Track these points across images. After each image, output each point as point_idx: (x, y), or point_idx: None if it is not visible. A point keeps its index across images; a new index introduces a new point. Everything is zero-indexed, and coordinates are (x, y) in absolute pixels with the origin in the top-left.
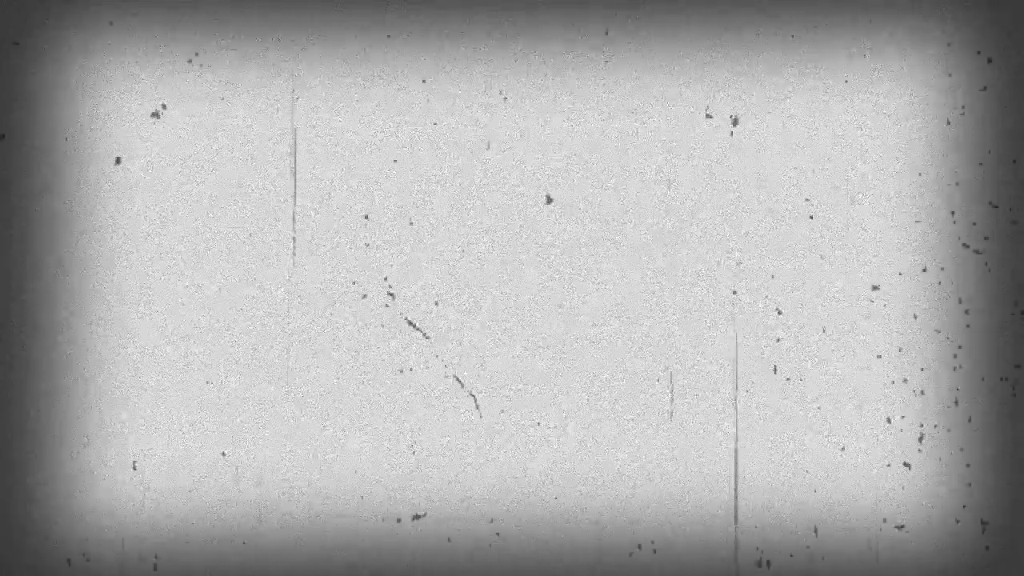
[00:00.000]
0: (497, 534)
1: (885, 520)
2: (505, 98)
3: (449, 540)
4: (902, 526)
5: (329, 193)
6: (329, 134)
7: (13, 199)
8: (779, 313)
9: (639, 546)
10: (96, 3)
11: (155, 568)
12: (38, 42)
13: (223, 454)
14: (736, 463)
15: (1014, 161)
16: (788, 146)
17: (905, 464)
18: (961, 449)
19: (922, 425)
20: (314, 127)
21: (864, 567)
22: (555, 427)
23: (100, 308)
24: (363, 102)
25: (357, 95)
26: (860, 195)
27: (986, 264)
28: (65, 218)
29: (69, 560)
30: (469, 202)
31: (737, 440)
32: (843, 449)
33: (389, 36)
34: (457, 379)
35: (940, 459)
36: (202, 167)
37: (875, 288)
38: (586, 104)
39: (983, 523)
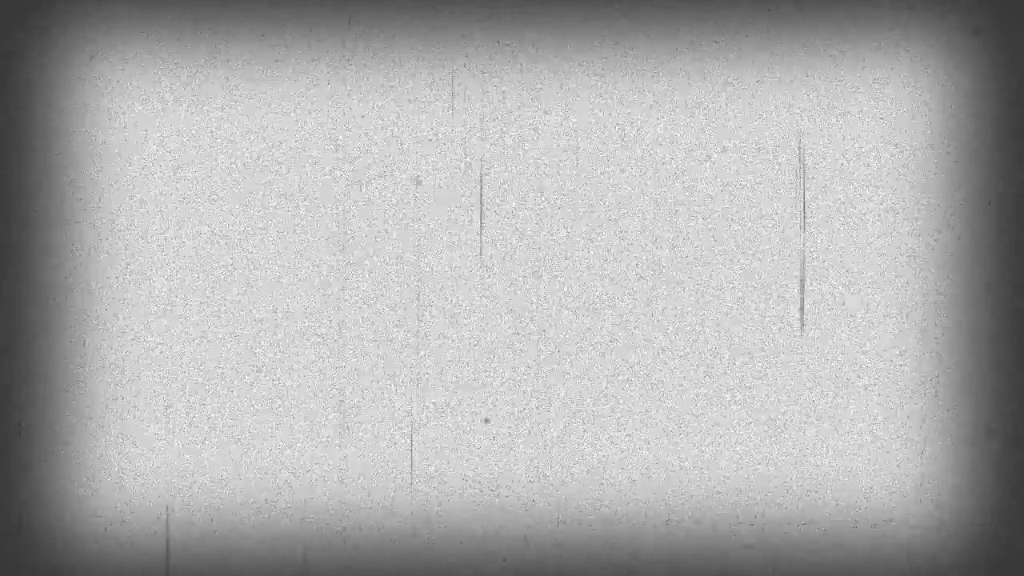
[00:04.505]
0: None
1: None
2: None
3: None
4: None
5: (343, 192)
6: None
7: (13, 200)
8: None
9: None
10: (98, 2)
11: (165, 571)
12: (39, 42)
13: (230, 457)
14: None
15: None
16: (779, 147)
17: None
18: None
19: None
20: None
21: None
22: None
23: (102, 309)
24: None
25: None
26: (857, 193)
27: (985, 262)
28: (67, 220)
29: (71, 561)
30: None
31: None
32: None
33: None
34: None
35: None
36: (207, 167)
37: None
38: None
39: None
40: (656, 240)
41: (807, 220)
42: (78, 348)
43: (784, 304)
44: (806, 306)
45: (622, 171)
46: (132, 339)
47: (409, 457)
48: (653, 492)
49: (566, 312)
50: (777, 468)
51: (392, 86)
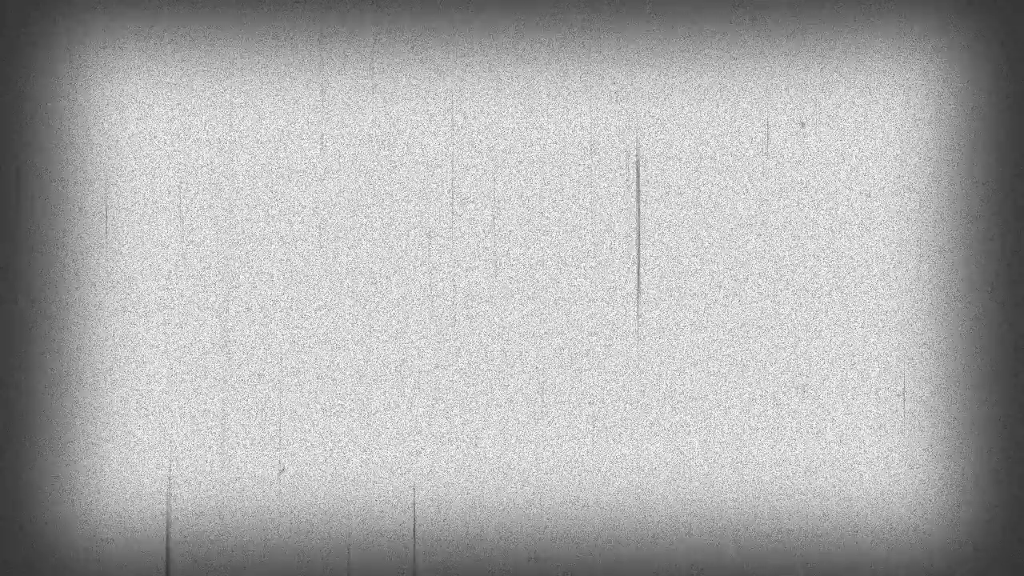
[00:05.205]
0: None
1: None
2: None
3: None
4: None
5: (342, 193)
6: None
7: (12, 201)
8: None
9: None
10: (99, 6)
11: (165, 571)
12: (39, 45)
13: (230, 459)
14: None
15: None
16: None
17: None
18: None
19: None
20: (341, 130)
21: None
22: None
23: (103, 310)
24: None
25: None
26: (868, 194)
27: (993, 268)
28: (66, 220)
29: (71, 564)
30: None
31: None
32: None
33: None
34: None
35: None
36: (206, 168)
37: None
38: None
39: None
40: (658, 237)
41: (807, 219)
42: (77, 347)
43: (785, 306)
44: (808, 310)
45: (624, 169)
46: (132, 338)
47: (408, 456)
48: (653, 494)
49: (566, 312)
50: (777, 470)
51: (392, 90)
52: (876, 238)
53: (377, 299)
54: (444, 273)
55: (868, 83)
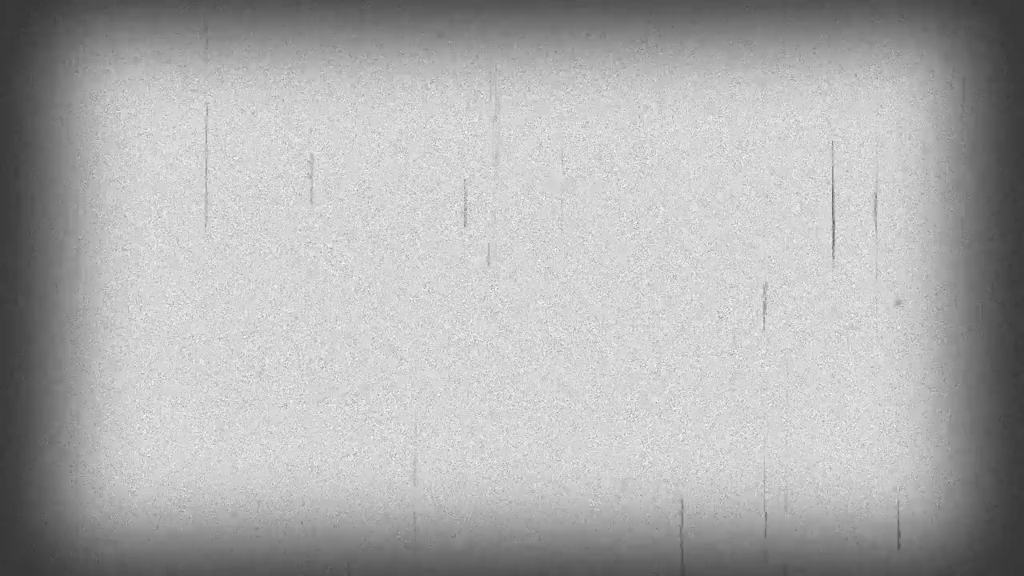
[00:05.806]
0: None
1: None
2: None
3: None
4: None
5: (338, 191)
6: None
7: (12, 198)
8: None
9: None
10: (99, 7)
11: (165, 571)
12: (39, 45)
13: (224, 459)
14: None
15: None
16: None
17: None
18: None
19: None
20: (329, 128)
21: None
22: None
23: (101, 309)
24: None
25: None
26: (871, 198)
27: (993, 268)
28: (66, 218)
29: (66, 564)
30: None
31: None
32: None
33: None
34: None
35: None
36: (207, 168)
37: (896, 299)
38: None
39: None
40: (672, 239)
41: (807, 219)
42: (77, 347)
43: (785, 306)
44: (808, 310)
45: (639, 171)
46: (132, 338)
47: (411, 456)
48: (653, 494)
49: (572, 314)
50: (777, 470)
51: (397, 86)
52: (875, 238)
53: (377, 300)
54: (445, 273)
55: (867, 82)
